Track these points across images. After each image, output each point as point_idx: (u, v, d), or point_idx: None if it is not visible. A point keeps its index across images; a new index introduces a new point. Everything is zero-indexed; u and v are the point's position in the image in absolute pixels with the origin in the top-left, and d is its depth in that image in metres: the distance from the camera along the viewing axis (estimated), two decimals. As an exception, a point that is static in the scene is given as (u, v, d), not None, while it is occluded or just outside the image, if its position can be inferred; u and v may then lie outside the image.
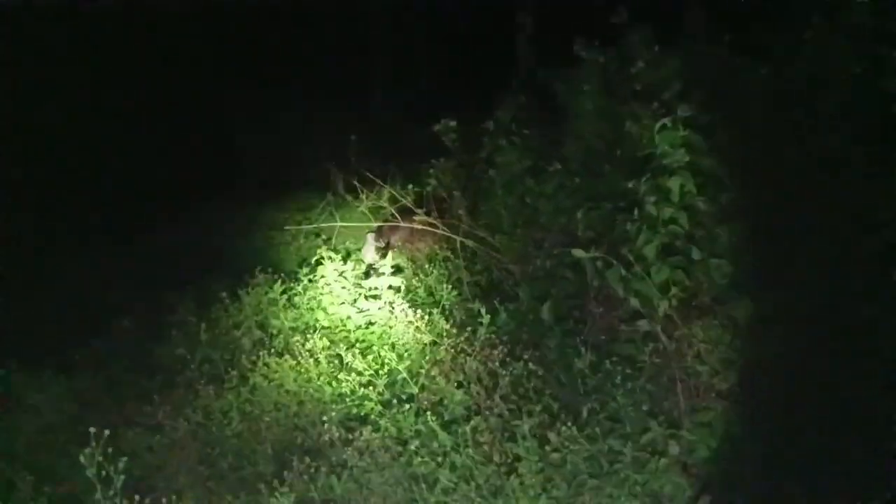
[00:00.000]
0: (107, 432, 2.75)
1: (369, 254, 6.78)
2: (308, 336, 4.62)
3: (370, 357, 4.19)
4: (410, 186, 5.79)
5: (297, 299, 5.62)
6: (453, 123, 5.62)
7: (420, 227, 5.81)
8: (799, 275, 3.62)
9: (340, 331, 5.14)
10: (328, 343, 4.39)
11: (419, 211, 5.67)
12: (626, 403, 3.83)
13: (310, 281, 5.75)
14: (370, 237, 6.61)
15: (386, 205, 5.62)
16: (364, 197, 5.66)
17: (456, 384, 3.97)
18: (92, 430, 2.74)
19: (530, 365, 3.91)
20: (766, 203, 3.82)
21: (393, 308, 5.06)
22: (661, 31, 5.26)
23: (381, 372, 4.05)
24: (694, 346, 3.85)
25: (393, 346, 4.64)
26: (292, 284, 5.87)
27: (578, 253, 4.13)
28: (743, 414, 3.61)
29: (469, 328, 4.45)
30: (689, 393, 3.91)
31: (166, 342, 5.25)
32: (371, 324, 5.27)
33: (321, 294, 5.61)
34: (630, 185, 4.26)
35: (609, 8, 5.32)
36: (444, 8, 10.99)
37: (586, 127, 5.42)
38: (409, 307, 4.94)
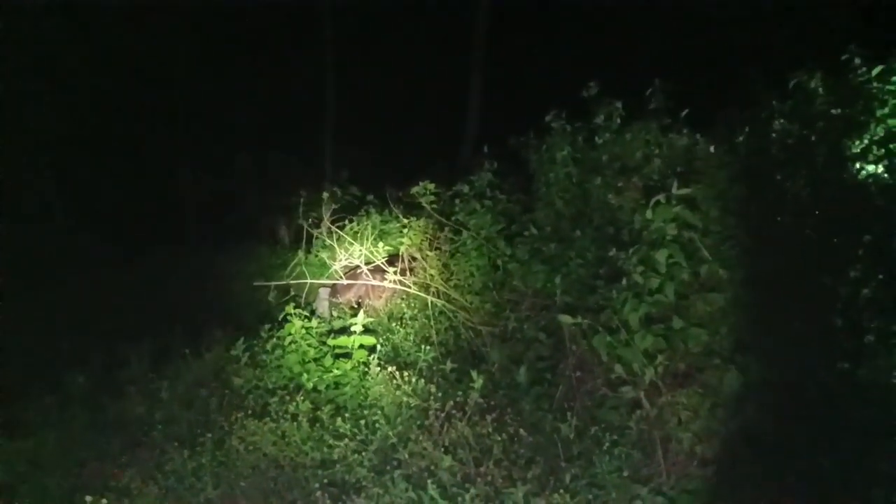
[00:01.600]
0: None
1: (323, 309, 6.69)
2: (286, 397, 4.47)
3: (361, 422, 4.08)
4: (381, 245, 5.78)
5: (263, 357, 5.45)
6: (431, 185, 5.71)
7: (377, 283, 5.77)
8: (778, 344, 3.79)
9: (311, 391, 5.01)
10: (311, 406, 4.25)
11: (391, 269, 5.66)
12: (610, 469, 3.89)
13: (276, 339, 5.60)
14: (323, 292, 6.53)
15: (359, 263, 5.58)
16: (339, 255, 5.60)
17: (443, 449, 3.92)
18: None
19: (521, 430, 3.90)
20: (744, 275, 4.00)
21: (368, 368, 4.98)
22: (628, 106, 5.59)
23: (370, 437, 3.95)
24: (677, 413, 3.95)
25: (371, 407, 4.55)
26: (254, 342, 5.72)
27: (565, 319, 4.21)
28: (726, 482, 3.70)
29: (451, 390, 4.41)
30: (671, 460, 4.00)
31: (123, 399, 4.99)
32: (342, 384, 5.16)
33: (288, 353, 5.46)
34: (611, 253, 4.42)
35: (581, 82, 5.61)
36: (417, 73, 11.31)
37: (557, 194, 5.61)
38: (385, 367, 4.87)
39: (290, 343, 5.52)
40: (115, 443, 4.48)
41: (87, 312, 6.47)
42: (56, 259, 7.06)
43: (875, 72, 4.31)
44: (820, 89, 4.62)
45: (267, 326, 5.92)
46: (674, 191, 3.79)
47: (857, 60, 4.40)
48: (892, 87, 4.29)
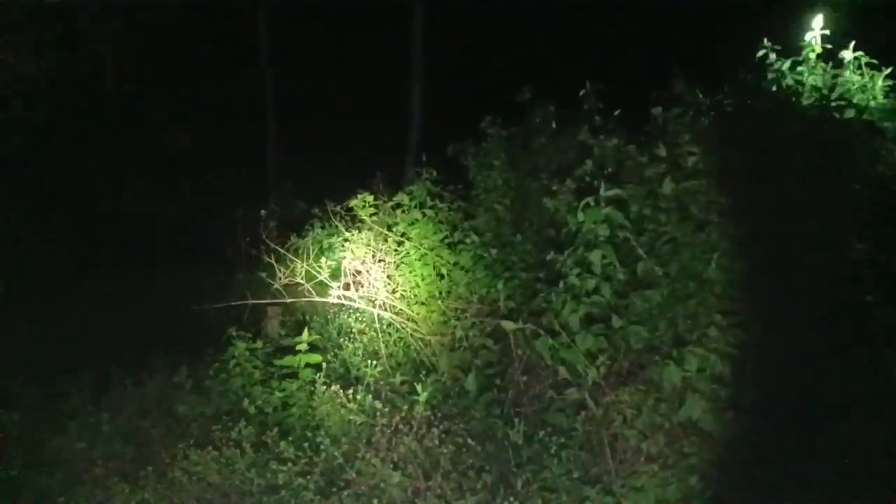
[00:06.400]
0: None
1: (271, 329, 6.58)
2: (230, 423, 4.37)
3: (305, 444, 4.00)
4: (324, 260, 5.71)
5: (206, 383, 5.33)
6: (370, 197, 5.68)
7: (320, 300, 5.68)
8: (716, 338, 3.86)
9: (257, 415, 4.91)
10: (253, 431, 4.16)
11: (334, 285, 5.60)
12: (560, 472, 3.91)
13: (219, 363, 5.48)
14: (270, 311, 6.43)
15: (302, 281, 5.49)
16: (280, 274, 5.51)
17: (391, 465, 3.88)
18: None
19: (469, 440, 3.89)
20: (679, 269, 4.07)
21: (314, 387, 4.90)
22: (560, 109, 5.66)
23: (316, 459, 3.89)
24: (621, 411, 3.99)
25: (318, 428, 4.48)
26: (199, 367, 5.58)
27: (507, 325, 4.22)
28: (673, 476, 3.75)
29: (399, 404, 4.38)
30: (619, 458, 4.04)
31: (63, 434, 4.82)
32: (289, 405, 5.08)
33: (232, 376, 5.35)
34: (549, 256, 4.45)
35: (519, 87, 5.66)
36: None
37: (496, 200, 5.64)
38: (332, 385, 4.80)
39: (234, 366, 5.40)
40: (55, 481, 4.32)
41: (22, 345, 6.23)
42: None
43: (786, 65, 4.44)
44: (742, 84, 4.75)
45: (210, 350, 5.79)
46: (602, 192, 3.84)
47: (773, 56, 4.52)
48: (800, 79, 4.42)
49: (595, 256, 3.97)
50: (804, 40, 4.67)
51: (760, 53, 4.67)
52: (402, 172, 8.34)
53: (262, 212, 5.75)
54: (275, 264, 5.62)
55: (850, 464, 3.62)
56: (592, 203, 3.88)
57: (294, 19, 12.03)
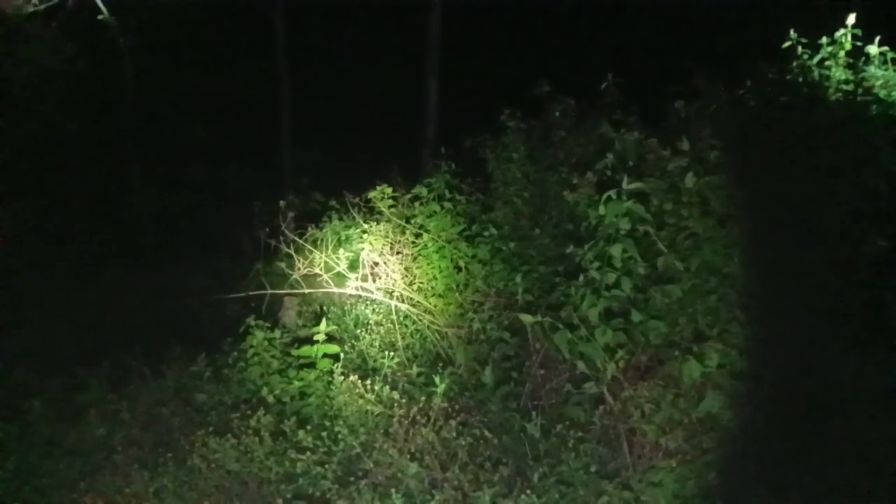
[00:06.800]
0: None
1: (289, 319, 6.60)
2: (248, 411, 4.40)
3: (323, 433, 4.02)
4: (342, 251, 5.72)
5: (226, 372, 5.36)
6: (389, 189, 5.68)
7: (338, 291, 5.69)
8: (737, 334, 3.84)
9: (275, 404, 4.94)
10: (274, 419, 4.19)
11: (352, 276, 5.61)
12: (577, 467, 3.90)
13: (238, 352, 5.51)
14: (287, 301, 6.45)
15: (320, 272, 5.51)
16: (298, 264, 5.53)
17: (409, 456, 3.89)
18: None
19: (486, 433, 3.89)
20: (700, 264, 4.04)
21: (332, 377, 4.92)
22: (581, 102, 5.63)
23: (334, 448, 3.90)
24: (640, 406, 3.97)
25: (335, 417, 4.50)
26: (217, 357, 5.62)
27: (526, 318, 4.21)
28: (691, 472, 3.73)
29: (416, 396, 4.39)
30: (637, 453, 4.03)
31: (83, 423, 4.87)
32: (307, 395, 5.10)
33: (251, 365, 5.38)
34: (569, 250, 4.44)
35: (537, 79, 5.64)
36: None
37: (515, 193, 5.62)
38: (349, 376, 4.82)
39: (252, 356, 5.43)
40: (75, 469, 4.36)
41: (42, 335, 6.29)
42: (5, 280, 6.86)
43: (815, 60, 4.38)
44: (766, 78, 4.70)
45: (229, 339, 5.83)
46: (624, 186, 3.82)
47: (800, 49, 4.46)
48: (827, 73, 4.37)
49: (616, 250, 3.94)
50: (831, 37, 4.61)
51: (786, 45, 4.62)
52: (420, 164, 8.34)
53: (282, 203, 5.76)
54: (294, 255, 5.63)
55: (867, 462, 3.59)
56: (614, 196, 3.86)
57: (310, 12, 12.04)
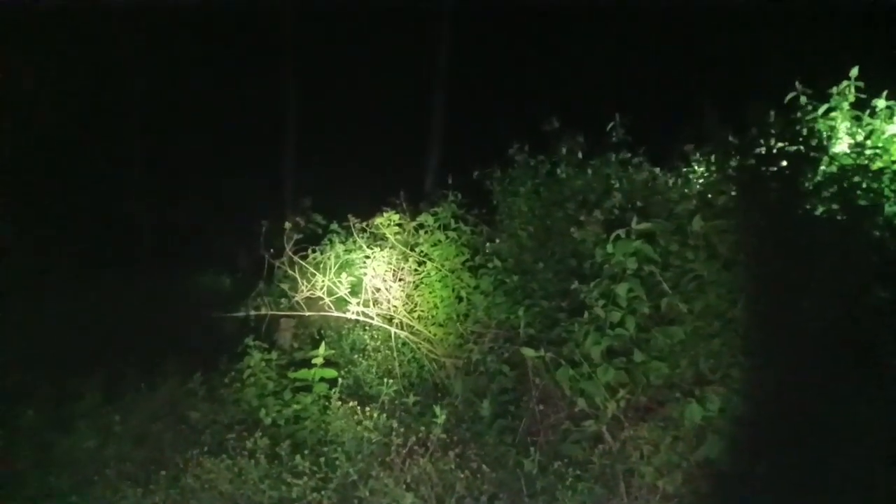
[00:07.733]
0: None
1: (284, 340, 6.57)
2: (243, 432, 4.35)
3: (321, 459, 3.98)
4: (344, 275, 5.72)
5: (221, 391, 5.32)
6: (396, 216, 5.70)
7: (339, 315, 5.66)
8: (739, 379, 3.84)
9: (270, 426, 4.90)
10: (269, 442, 4.14)
11: (353, 301, 5.60)
12: (573, 506, 3.87)
13: (235, 372, 5.48)
14: (283, 322, 6.42)
15: (322, 295, 5.50)
16: (301, 286, 5.52)
17: (405, 486, 3.85)
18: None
19: (483, 466, 3.86)
20: (704, 307, 4.05)
21: (329, 402, 4.89)
22: (589, 140, 5.69)
23: (331, 475, 3.86)
24: (639, 447, 3.95)
25: (331, 443, 4.46)
26: (212, 374, 5.58)
27: (528, 352, 4.21)
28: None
29: (413, 425, 4.35)
30: (634, 494, 4.00)
31: (73, 434, 4.81)
32: (302, 419, 5.06)
33: (247, 386, 5.34)
34: (573, 286, 4.45)
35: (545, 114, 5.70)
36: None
37: (520, 226, 5.64)
38: (346, 401, 4.78)
39: (248, 376, 5.39)
40: (65, 480, 4.30)
41: (37, 343, 6.24)
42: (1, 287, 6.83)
43: (821, 111, 4.45)
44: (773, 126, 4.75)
45: (225, 358, 5.79)
46: (633, 225, 3.84)
47: (803, 99, 4.53)
48: (833, 124, 4.43)
49: (622, 289, 3.96)
50: (835, 89, 4.68)
51: (790, 96, 4.69)
52: (422, 190, 8.38)
53: (287, 225, 5.76)
54: (298, 277, 5.62)
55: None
56: (623, 235, 3.89)
57: (315, 33, 12.16)
